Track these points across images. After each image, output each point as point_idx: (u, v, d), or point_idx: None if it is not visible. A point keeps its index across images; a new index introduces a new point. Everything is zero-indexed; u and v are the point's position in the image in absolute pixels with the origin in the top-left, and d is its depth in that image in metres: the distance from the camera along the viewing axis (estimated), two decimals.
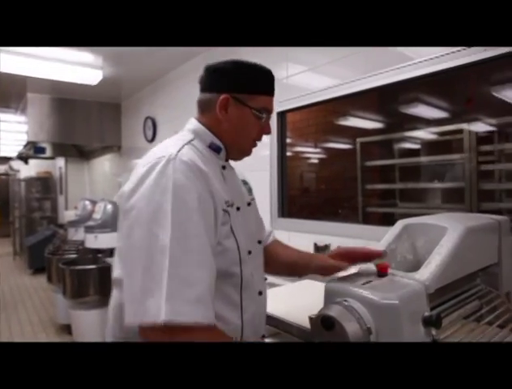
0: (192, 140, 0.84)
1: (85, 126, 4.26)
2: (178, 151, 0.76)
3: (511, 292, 1.05)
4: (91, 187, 6.15)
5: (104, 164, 5.35)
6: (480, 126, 1.59)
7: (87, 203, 3.62)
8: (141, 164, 0.78)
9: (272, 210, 2.02)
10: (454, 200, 1.47)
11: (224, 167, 0.88)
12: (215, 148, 0.87)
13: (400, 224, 0.95)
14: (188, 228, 0.71)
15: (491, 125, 1.57)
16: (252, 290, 0.87)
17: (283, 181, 2.02)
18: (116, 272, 0.82)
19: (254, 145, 0.92)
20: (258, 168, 2.09)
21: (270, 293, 1.35)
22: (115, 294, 0.83)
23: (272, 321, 1.10)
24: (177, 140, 0.83)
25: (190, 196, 0.72)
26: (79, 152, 5.86)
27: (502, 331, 0.89)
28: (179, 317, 0.65)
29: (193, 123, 0.89)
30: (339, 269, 0.90)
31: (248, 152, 0.93)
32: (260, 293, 0.90)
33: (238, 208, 0.86)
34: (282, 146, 2.06)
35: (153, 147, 0.84)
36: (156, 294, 0.66)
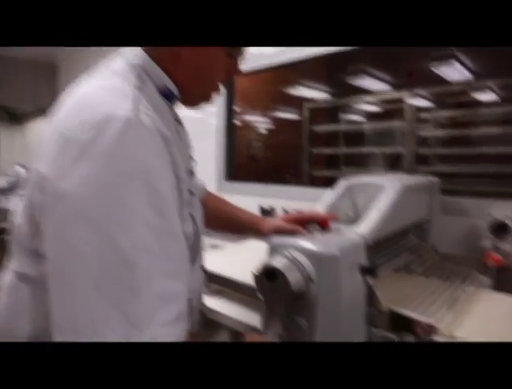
0: (141, 85, 0.59)
1: (16, 86, 3.91)
2: (136, 109, 0.52)
3: (437, 245, 1.14)
4: (25, 153, 5.72)
5: (39, 128, 4.98)
6: (419, 97, 1.68)
7: (20, 169, 3.38)
8: (64, 127, 0.52)
9: (219, 173, 2.02)
10: (394, 165, 1.55)
11: (178, 121, 0.70)
12: (167, 94, 0.64)
13: (342, 183, 0.99)
14: (164, 231, 0.52)
15: (427, 96, 1.67)
16: (196, 266, 0.73)
17: (231, 144, 2.01)
18: (24, 266, 0.59)
19: (218, 90, 0.73)
20: (204, 131, 2.06)
21: (217, 254, 1.38)
22: (18, 287, 0.59)
23: (217, 279, 1.11)
24: (120, 83, 0.57)
25: (164, 184, 0.53)
26: (10, 115, 5.39)
27: (429, 279, 0.97)
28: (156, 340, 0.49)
29: (138, 55, 0.62)
30: (295, 233, 0.82)
31: (210, 99, 0.73)
32: (201, 268, 0.79)
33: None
34: (230, 109, 2.03)
35: (73, 93, 0.57)
36: (119, 324, 0.47)
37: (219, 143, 2.02)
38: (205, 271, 0.83)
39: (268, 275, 0.70)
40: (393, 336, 0.76)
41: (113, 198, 0.48)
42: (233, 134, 2.03)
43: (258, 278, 0.72)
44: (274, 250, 0.74)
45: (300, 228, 0.81)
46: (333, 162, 1.89)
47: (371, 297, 0.78)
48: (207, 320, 1.09)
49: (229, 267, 1.13)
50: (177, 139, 0.65)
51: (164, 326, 0.50)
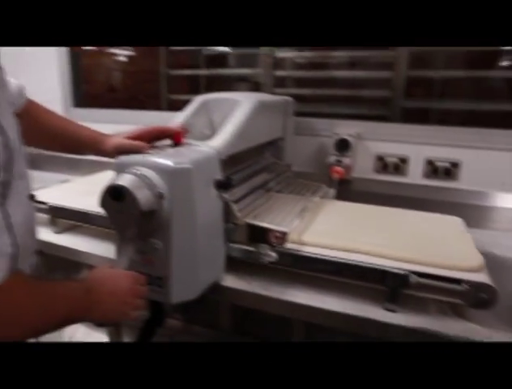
0: None
1: None
2: None
3: (291, 163, 1.21)
4: None
5: None
6: None
7: None
8: None
9: (65, 100, 1.75)
10: (254, 89, 1.54)
11: None
12: None
13: (198, 99, 0.94)
14: None
15: None
16: (16, 194, 0.56)
17: (75, 69, 1.75)
18: None
19: None
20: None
21: (64, 188, 1.22)
22: None
23: (66, 214, 0.99)
24: None
25: None
26: None
27: (284, 194, 1.03)
28: None
29: None
30: (139, 149, 0.74)
31: None
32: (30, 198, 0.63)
33: None
34: None
35: None
36: None
37: (63, 69, 1.74)
38: (36, 202, 0.71)
39: (114, 195, 0.62)
40: (251, 248, 0.78)
41: None
42: (78, 59, 1.77)
43: (103, 199, 0.64)
44: (120, 169, 0.66)
45: (145, 145, 0.73)
46: (194, 87, 1.80)
47: (228, 213, 0.78)
48: (59, 260, 0.98)
49: (79, 200, 1.00)
50: None
51: None
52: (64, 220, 1.02)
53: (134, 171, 0.64)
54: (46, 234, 1.00)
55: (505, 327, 0.66)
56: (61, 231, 1.03)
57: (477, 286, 0.65)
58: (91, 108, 1.75)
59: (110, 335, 1.07)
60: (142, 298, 0.68)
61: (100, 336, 1.12)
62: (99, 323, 0.66)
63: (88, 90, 2.03)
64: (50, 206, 0.99)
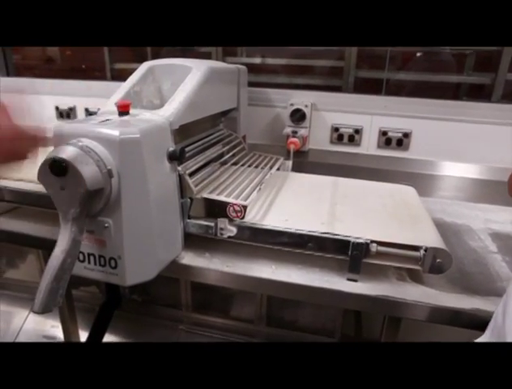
0: None
1: None
2: None
3: (246, 135, 1.17)
4: None
5: None
6: None
7: None
8: None
9: None
10: (202, 56, 1.47)
11: None
12: None
13: (145, 65, 0.86)
14: None
15: None
16: None
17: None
18: None
19: None
20: None
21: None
22: None
23: (5, 194, 0.89)
24: None
25: None
26: None
27: (241, 168, 0.99)
28: None
29: None
30: None
31: None
32: None
33: None
34: None
35: None
36: None
37: None
38: None
39: (55, 170, 0.55)
40: (209, 223, 0.74)
41: None
42: None
43: (42, 173, 0.56)
44: (59, 139, 0.59)
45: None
46: (139, 57, 1.68)
47: (183, 187, 0.74)
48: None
49: (15, 176, 0.90)
50: None
51: None
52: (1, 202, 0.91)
53: (77, 142, 0.57)
54: None
55: (457, 289, 0.69)
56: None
57: (433, 251, 0.66)
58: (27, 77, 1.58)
59: (64, 322, 0.99)
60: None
61: (53, 323, 1.05)
62: None
63: (20, 61, 1.83)
64: None
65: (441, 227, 0.79)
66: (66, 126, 0.60)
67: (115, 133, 0.57)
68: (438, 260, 0.67)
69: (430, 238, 0.70)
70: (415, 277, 0.72)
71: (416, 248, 0.68)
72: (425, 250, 0.66)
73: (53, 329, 1.13)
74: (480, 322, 0.61)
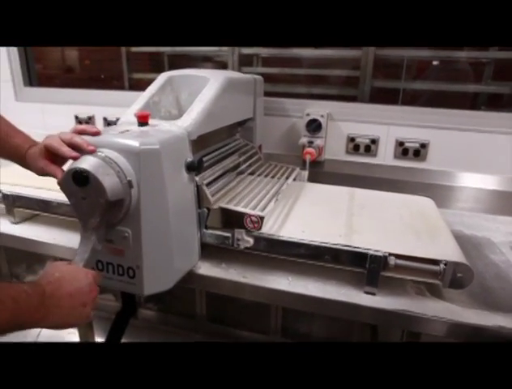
0: None
1: None
2: None
3: (262, 145, 1.17)
4: None
5: None
6: None
7: None
8: None
9: (14, 78, 1.60)
10: (219, 66, 1.48)
11: None
12: None
13: (164, 75, 0.87)
14: None
15: None
16: None
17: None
18: None
19: None
20: None
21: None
22: None
23: (24, 202, 0.90)
24: None
25: None
26: None
27: (257, 178, 0.99)
28: None
29: None
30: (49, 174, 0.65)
31: None
32: None
33: None
34: None
35: None
36: None
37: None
38: None
39: (78, 181, 0.56)
40: (226, 234, 0.74)
41: None
42: None
43: (65, 182, 0.57)
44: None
45: (57, 170, 0.64)
46: (157, 67, 1.70)
47: (200, 197, 0.74)
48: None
49: (35, 183, 0.92)
50: None
51: None
52: (22, 209, 0.93)
53: (100, 154, 0.58)
54: (3, 225, 0.92)
55: (478, 305, 0.67)
56: (20, 221, 0.94)
57: (454, 266, 0.65)
58: (46, 87, 1.61)
59: (80, 329, 1.00)
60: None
61: (68, 330, 1.06)
62: (56, 328, 0.59)
63: (42, 70, 1.88)
64: (4, 194, 0.91)
65: (461, 239, 0.78)
66: (87, 137, 0.61)
67: (135, 144, 0.58)
68: (459, 275, 0.66)
69: (450, 252, 0.69)
70: (434, 292, 0.70)
71: (435, 262, 0.66)
72: (445, 264, 0.65)
73: (70, 335, 1.14)
74: (502, 339, 0.59)
